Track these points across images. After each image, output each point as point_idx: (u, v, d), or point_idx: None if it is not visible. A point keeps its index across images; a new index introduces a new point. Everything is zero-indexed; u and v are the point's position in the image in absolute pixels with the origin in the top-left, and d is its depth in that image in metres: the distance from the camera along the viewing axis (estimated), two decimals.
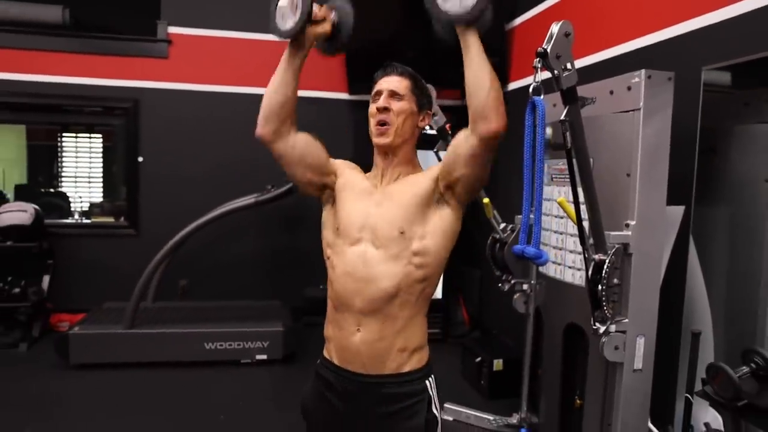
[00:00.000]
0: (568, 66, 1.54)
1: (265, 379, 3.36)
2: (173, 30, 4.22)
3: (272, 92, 1.31)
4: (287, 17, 1.27)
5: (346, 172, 1.41)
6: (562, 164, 2.25)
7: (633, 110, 1.91)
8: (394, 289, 1.25)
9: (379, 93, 1.35)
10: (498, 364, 3.12)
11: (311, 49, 1.34)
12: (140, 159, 4.24)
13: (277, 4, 1.29)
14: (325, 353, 1.40)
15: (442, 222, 1.29)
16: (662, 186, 1.93)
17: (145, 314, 3.59)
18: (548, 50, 1.48)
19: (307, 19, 1.25)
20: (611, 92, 2.01)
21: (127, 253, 4.20)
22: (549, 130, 2.43)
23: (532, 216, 1.43)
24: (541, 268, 2.41)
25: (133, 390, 3.11)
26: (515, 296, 2.63)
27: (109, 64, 4.15)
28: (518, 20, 3.84)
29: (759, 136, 2.14)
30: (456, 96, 4.33)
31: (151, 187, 4.28)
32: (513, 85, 3.88)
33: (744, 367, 1.64)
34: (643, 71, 1.87)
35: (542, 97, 1.51)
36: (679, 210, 2.16)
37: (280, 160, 1.35)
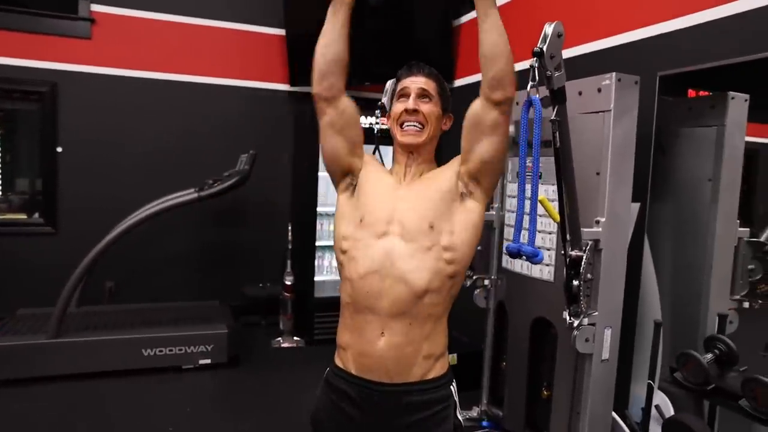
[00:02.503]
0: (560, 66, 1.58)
1: (210, 384, 3.18)
2: (97, 8, 3.84)
3: (324, 47, 1.27)
4: None
5: (371, 163, 1.38)
6: (529, 162, 2.31)
7: (603, 111, 1.99)
8: (425, 286, 1.20)
9: (405, 93, 1.33)
10: (452, 358, 3.16)
11: None
12: (59, 149, 3.84)
13: None
14: (338, 362, 1.30)
15: (468, 215, 1.27)
16: (628, 184, 2.04)
17: (70, 321, 3.25)
18: (544, 50, 1.50)
19: None
20: (580, 93, 2.08)
21: (43, 254, 3.81)
22: (512, 128, 2.50)
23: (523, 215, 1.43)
24: (509, 264, 2.46)
25: (63, 406, 2.81)
26: (476, 291, 2.68)
27: (23, 43, 3.71)
28: (464, 18, 3.90)
29: (702, 139, 2.31)
30: (381, 90, 4.30)
31: (71, 180, 3.89)
32: (459, 82, 3.93)
33: (708, 354, 1.77)
34: (613, 74, 1.95)
35: (538, 95, 1.52)
36: (636, 207, 2.28)
37: (327, 125, 1.32)
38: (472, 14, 3.81)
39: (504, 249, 2.48)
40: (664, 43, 2.34)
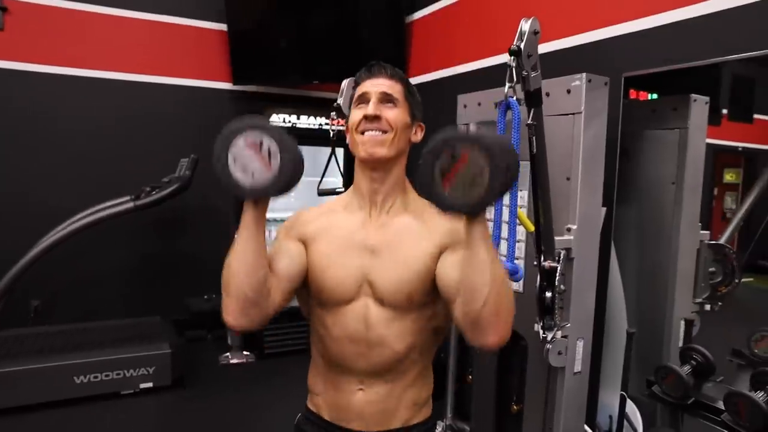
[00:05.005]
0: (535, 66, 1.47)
1: (153, 410, 2.92)
2: None
3: (246, 276, 0.94)
4: (250, 165, 0.90)
5: (314, 230, 1.12)
6: None
7: (573, 113, 1.90)
8: (407, 349, 1.06)
9: (365, 98, 1.11)
10: None
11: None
12: None
13: (227, 145, 0.90)
14: (311, 406, 1.15)
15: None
16: (599, 189, 1.97)
17: None
18: (522, 48, 1.38)
19: (299, 169, 0.92)
20: (548, 94, 1.99)
21: None
22: (473, 127, 2.39)
23: None
24: None
25: None
26: None
27: None
28: (418, 14, 3.77)
29: (665, 142, 2.28)
30: (330, 89, 4.16)
31: None
32: (411, 81, 3.79)
33: (686, 366, 1.71)
34: (584, 75, 1.86)
35: (515, 98, 1.41)
36: (602, 211, 2.22)
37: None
38: (427, 10, 3.74)
39: None
40: (628, 44, 2.30)
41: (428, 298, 1.05)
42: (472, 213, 0.85)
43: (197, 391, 3.16)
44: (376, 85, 1.11)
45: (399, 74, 1.15)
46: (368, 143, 1.08)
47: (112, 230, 3.59)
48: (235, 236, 0.95)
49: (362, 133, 1.09)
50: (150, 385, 3.03)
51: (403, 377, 1.07)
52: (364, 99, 1.11)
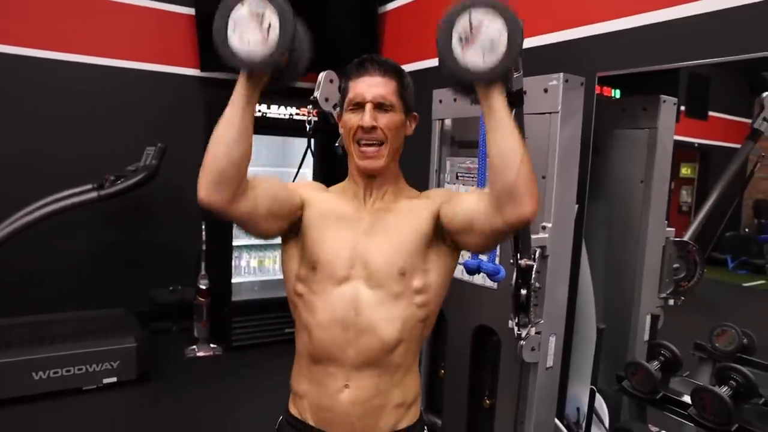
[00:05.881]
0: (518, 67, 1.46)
1: (118, 406, 2.84)
2: None
3: (226, 147, 0.94)
4: (248, 34, 0.90)
5: (314, 198, 1.14)
6: (470, 162, 2.21)
7: (550, 113, 1.92)
8: (397, 336, 1.04)
9: (359, 101, 1.09)
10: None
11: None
12: None
13: (228, 11, 0.90)
14: (293, 410, 1.12)
15: (440, 259, 1.10)
16: (573, 187, 2.00)
17: None
18: None
19: (293, 40, 0.90)
20: (525, 93, 2.00)
21: None
22: (448, 121, 2.39)
23: None
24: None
25: None
26: None
27: None
28: (391, 5, 3.73)
29: (635, 141, 2.33)
30: (301, 78, 4.07)
31: None
32: None
33: (654, 361, 1.77)
34: (561, 75, 1.88)
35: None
36: (575, 208, 2.26)
37: (242, 223, 1.03)
38: (400, 1, 3.70)
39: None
40: (601, 44, 2.33)
41: (421, 275, 1.07)
42: (494, 78, 0.87)
43: (163, 385, 3.09)
44: (371, 86, 1.09)
45: (392, 68, 1.13)
46: (366, 159, 1.09)
47: (73, 218, 3.45)
48: (226, 109, 0.96)
49: (358, 142, 1.10)
50: (114, 380, 2.94)
51: (390, 373, 1.07)
52: (358, 104, 1.09)
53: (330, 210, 1.12)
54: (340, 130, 1.16)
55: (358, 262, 1.06)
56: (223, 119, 0.95)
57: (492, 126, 0.91)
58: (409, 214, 1.11)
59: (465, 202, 1.04)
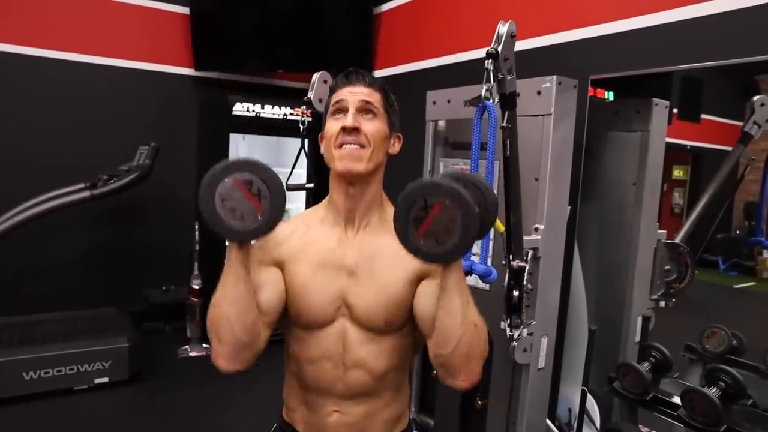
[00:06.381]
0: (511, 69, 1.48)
1: (110, 407, 2.83)
2: None
3: (236, 319, 0.91)
4: (240, 207, 0.85)
5: (289, 252, 1.06)
6: (463, 164, 2.22)
7: (543, 115, 1.93)
8: (385, 368, 1.04)
9: (342, 107, 1.04)
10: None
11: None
12: None
13: (214, 189, 0.85)
14: (286, 417, 1.13)
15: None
16: (565, 190, 2.00)
17: None
18: (499, 51, 1.39)
19: (284, 203, 0.88)
20: (518, 95, 2.00)
21: None
22: (442, 123, 2.40)
23: None
24: None
25: None
26: None
27: None
28: (386, 6, 3.73)
29: (627, 143, 2.35)
30: (295, 78, 4.10)
31: None
32: (378, 73, 3.77)
33: (645, 363, 1.78)
34: (554, 77, 1.89)
35: (492, 100, 1.42)
36: (567, 210, 2.27)
37: None
38: (396, 2, 3.70)
39: None
40: (594, 46, 2.35)
41: (406, 321, 1.04)
42: (446, 261, 0.85)
43: (156, 385, 3.08)
44: (355, 93, 1.04)
45: (378, 82, 1.09)
46: (346, 158, 1.02)
47: (65, 217, 3.43)
48: (222, 278, 0.92)
49: (340, 146, 1.03)
50: (106, 380, 2.93)
51: (380, 398, 1.07)
52: (341, 108, 1.05)
53: (309, 253, 1.05)
54: (322, 150, 1.09)
55: (343, 304, 1.04)
56: (226, 295, 0.91)
57: (440, 302, 0.89)
58: (394, 264, 1.03)
59: (430, 308, 0.97)
